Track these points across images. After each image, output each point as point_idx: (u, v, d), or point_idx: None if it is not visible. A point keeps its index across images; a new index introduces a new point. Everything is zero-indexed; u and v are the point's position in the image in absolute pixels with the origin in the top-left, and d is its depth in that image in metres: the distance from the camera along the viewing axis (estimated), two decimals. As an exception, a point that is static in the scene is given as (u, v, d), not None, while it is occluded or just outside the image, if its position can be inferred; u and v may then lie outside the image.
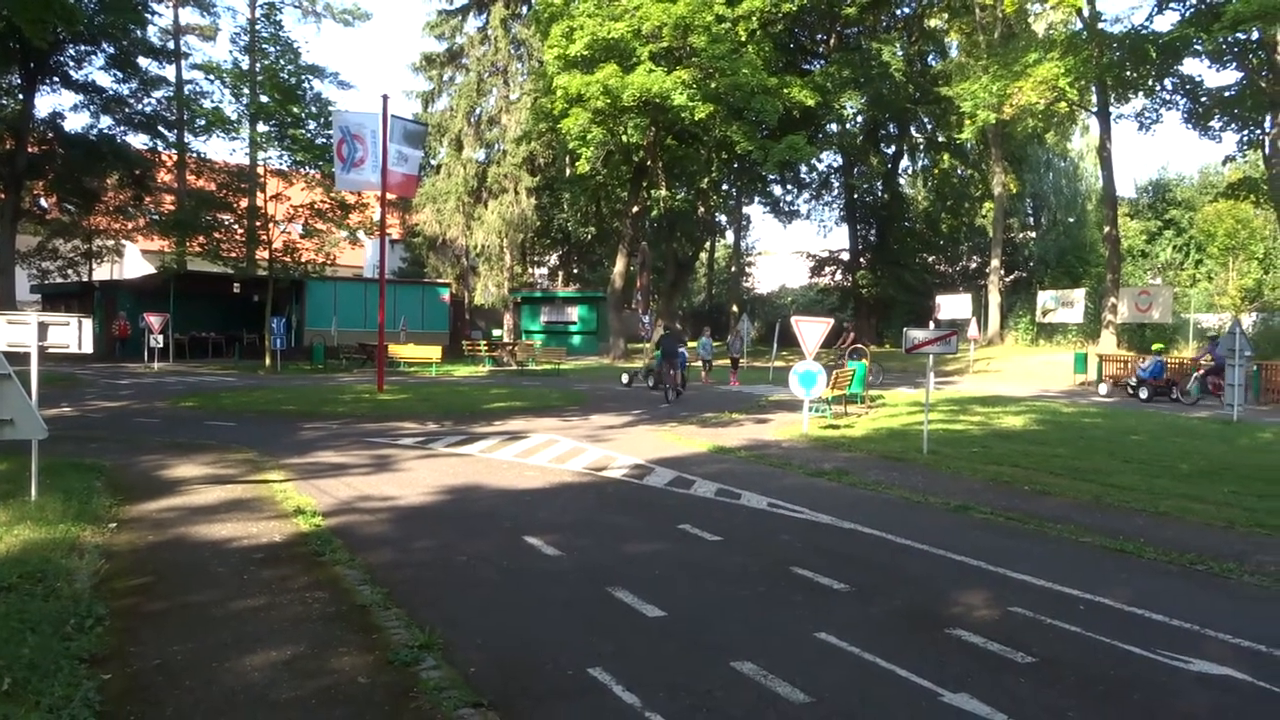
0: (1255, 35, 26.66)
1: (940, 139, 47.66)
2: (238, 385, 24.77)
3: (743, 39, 35.18)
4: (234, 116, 31.66)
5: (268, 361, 32.22)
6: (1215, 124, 30.57)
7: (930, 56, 47.80)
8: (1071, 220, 49.84)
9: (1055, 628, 6.09)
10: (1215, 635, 5.99)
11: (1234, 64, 28.87)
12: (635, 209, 42.40)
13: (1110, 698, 4.99)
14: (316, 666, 5.16)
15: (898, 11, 46.99)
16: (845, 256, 52.67)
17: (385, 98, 22.27)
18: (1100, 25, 32.14)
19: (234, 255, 33.33)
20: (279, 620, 5.93)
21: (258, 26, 32.64)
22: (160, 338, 31.20)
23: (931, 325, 31.14)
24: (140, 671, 5.04)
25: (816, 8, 42.04)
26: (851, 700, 4.88)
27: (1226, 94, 29.67)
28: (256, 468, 11.63)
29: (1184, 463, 12.97)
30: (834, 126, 46.91)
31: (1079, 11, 32.42)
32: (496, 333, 47.29)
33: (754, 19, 35.54)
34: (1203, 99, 30.43)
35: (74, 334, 9.13)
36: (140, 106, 37.29)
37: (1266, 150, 28.22)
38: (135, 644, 5.44)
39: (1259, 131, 29.31)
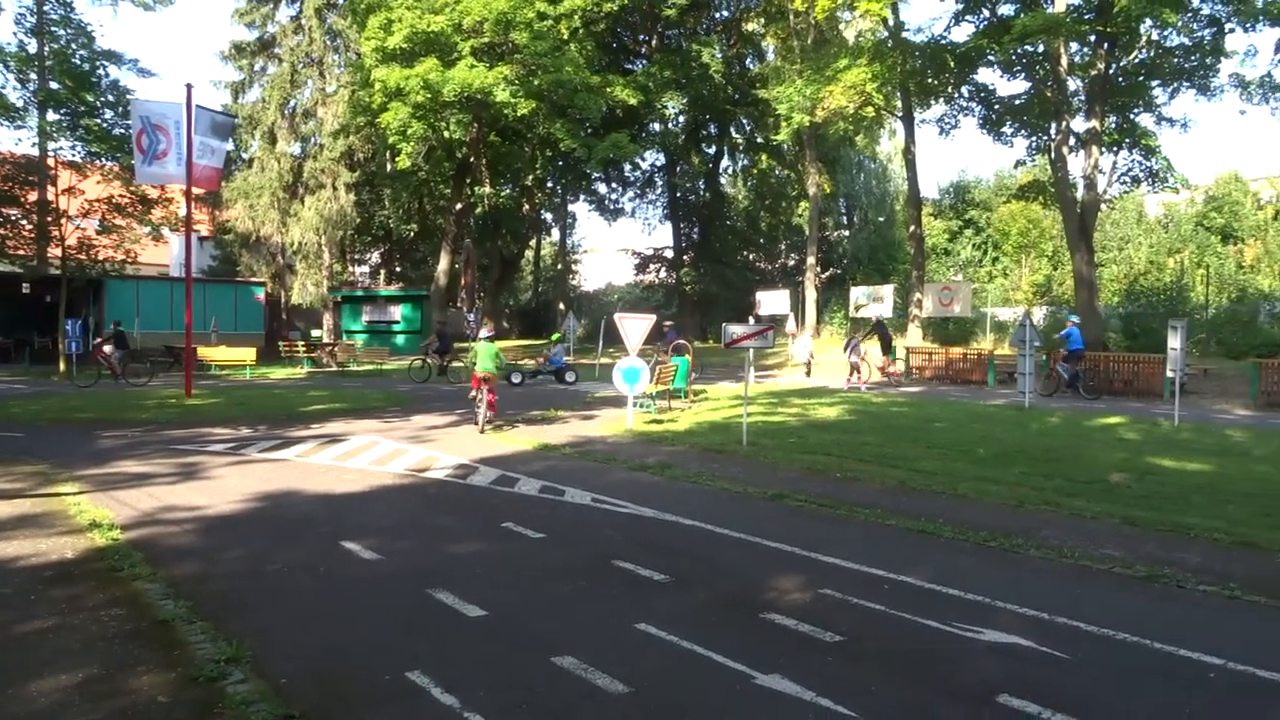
0: (1041, 48, 28.61)
1: (759, 140, 49.07)
2: (28, 393, 23.09)
3: (565, 37, 35.19)
4: (19, 103, 29.42)
5: (62, 367, 30.04)
6: (1007, 130, 32.61)
7: (748, 59, 49.09)
8: (881, 219, 52.44)
9: (862, 607, 6.38)
10: (1004, 606, 6.42)
11: (1023, 74, 30.86)
12: (459, 206, 41.84)
13: (911, 670, 5.28)
14: (111, 688, 4.86)
15: (717, 15, 48.14)
16: (669, 254, 53.56)
17: (189, 87, 21.15)
18: (904, 34, 33.74)
19: (22, 253, 30.99)
20: (70, 641, 5.55)
21: (45, 7, 30.42)
22: (-62, 343, 28.67)
23: (751, 320, 32.05)
24: (-95, 706, 4.62)
25: (638, 8, 42.55)
26: (669, 688, 4.97)
27: (1016, 102, 31.71)
28: (47, 480, 10.85)
29: (981, 447, 13.82)
30: (657, 126, 47.60)
31: (884, 21, 34.00)
32: (316, 333, 45.66)
33: (576, 17, 35.63)
34: (995, 106, 32.43)
35: None
36: (-89, 91, 34.07)
37: (1052, 155, 30.25)
38: (-100, 676, 4.98)
39: (1045, 137, 31.41)
